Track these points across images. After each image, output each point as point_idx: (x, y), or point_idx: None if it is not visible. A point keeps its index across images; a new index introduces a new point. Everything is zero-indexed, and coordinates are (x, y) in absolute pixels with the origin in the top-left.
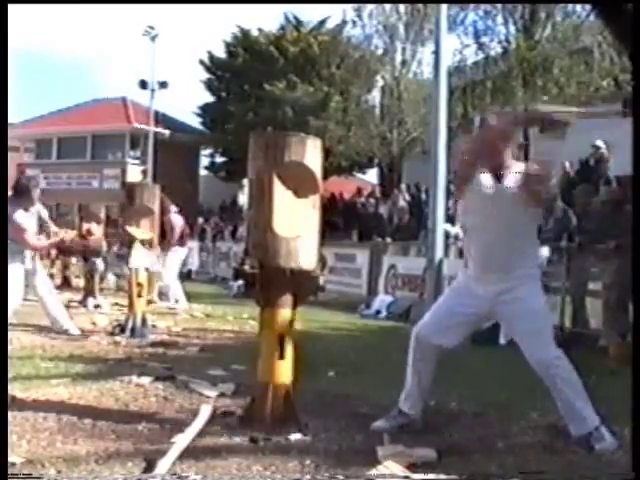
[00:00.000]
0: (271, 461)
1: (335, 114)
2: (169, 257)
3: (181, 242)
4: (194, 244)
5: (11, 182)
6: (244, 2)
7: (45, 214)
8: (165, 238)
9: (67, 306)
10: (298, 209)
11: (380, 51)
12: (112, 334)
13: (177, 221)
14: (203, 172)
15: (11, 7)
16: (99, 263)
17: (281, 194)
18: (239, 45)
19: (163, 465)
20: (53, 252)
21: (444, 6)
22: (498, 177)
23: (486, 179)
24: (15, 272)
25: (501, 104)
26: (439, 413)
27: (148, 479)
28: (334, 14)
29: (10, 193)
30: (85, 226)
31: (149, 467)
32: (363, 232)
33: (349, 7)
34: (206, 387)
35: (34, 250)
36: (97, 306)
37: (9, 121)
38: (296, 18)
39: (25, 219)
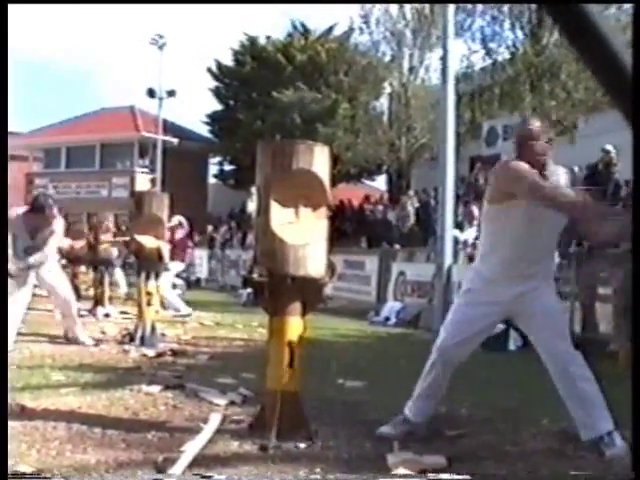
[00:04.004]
0: (281, 469)
1: (343, 121)
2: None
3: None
4: (203, 252)
5: (19, 190)
6: (254, 2)
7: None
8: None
9: (78, 315)
10: (306, 217)
11: (388, 58)
12: (122, 343)
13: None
14: (212, 180)
15: (23, 18)
16: (108, 272)
17: (288, 202)
18: (247, 53)
19: (173, 474)
20: (63, 261)
21: (451, 12)
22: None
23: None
24: (26, 280)
25: (509, 109)
26: (449, 419)
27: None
28: (341, 21)
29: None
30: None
31: None
32: (372, 239)
33: (356, 14)
34: (215, 395)
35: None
36: (106, 315)
37: (18, 130)
38: (303, 26)
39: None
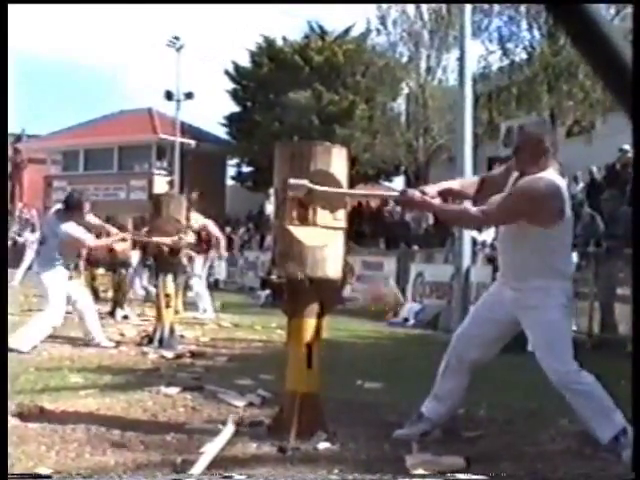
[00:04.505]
0: (299, 470)
1: (361, 122)
2: (197, 265)
3: (207, 250)
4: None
5: (38, 192)
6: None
7: (96, 221)
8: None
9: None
10: (324, 218)
11: (405, 59)
12: (140, 345)
13: (216, 230)
14: (230, 182)
15: (43, 20)
16: (127, 274)
17: (306, 204)
18: (264, 54)
19: (192, 475)
20: (81, 263)
21: (468, 12)
22: None
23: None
24: (59, 285)
25: (526, 110)
26: (468, 420)
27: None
28: (358, 22)
29: (60, 206)
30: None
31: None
32: (390, 240)
33: (373, 15)
34: (234, 397)
35: (94, 249)
36: (125, 317)
37: (36, 133)
38: (320, 27)
39: (78, 230)
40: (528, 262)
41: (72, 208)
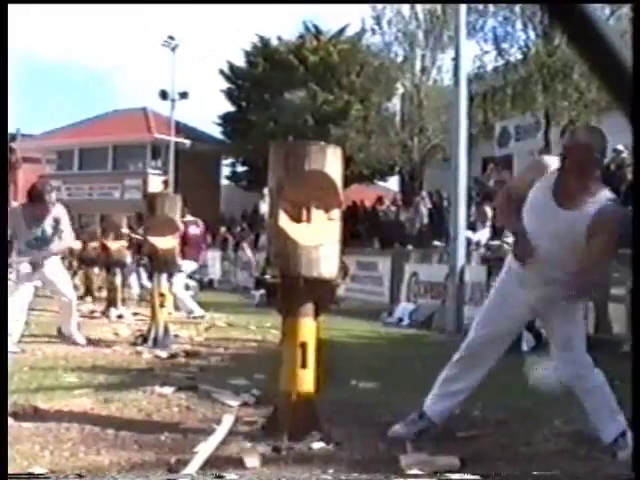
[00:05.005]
0: (293, 470)
1: (355, 122)
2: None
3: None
4: (216, 254)
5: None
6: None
7: (62, 221)
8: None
9: (91, 317)
10: (318, 218)
11: (400, 58)
12: (134, 344)
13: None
14: (224, 182)
15: (38, 20)
16: (121, 273)
17: (300, 203)
18: (259, 54)
19: (186, 475)
20: (75, 263)
21: (463, 12)
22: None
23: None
24: (26, 271)
25: (521, 110)
26: (462, 420)
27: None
28: (353, 22)
29: (26, 200)
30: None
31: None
32: (385, 240)
33: (368, 15)
34: (229, 396)
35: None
36: (119, 316)
37: (30, 132)
38: (315, 27)
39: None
40: (568, 260)
41: (33, 200)
